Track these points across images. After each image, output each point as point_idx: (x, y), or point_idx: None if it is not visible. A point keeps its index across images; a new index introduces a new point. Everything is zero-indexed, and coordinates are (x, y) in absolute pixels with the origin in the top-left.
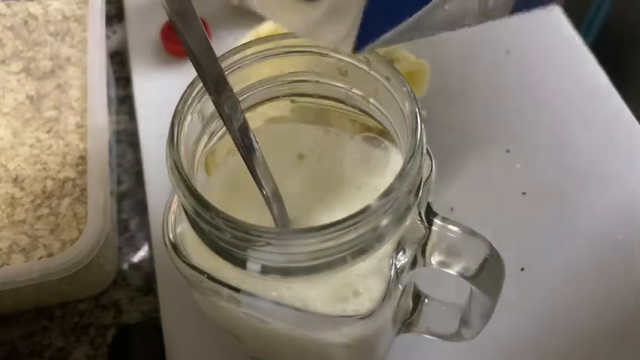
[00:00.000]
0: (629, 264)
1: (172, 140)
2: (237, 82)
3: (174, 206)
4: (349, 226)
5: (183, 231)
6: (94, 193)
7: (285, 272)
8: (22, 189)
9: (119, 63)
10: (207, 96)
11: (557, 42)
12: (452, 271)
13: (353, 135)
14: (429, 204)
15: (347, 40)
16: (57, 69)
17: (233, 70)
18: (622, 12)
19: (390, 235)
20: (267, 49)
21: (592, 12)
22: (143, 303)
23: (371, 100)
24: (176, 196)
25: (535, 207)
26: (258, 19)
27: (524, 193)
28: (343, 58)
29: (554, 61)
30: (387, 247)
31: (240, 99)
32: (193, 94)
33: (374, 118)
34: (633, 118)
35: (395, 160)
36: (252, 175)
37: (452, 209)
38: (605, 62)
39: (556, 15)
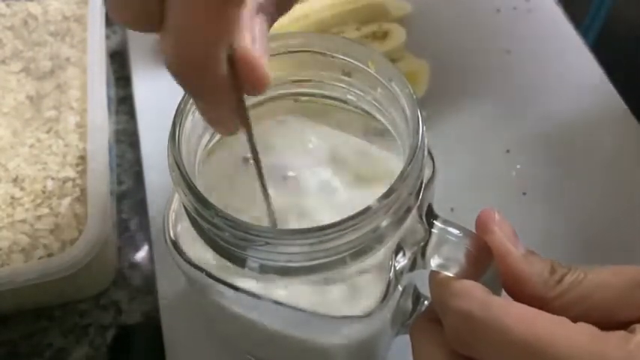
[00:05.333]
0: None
1: (174, 137)
2: None
3: (174, 204)
4: (349, 227)
5: (184, 229)
6: (94, 193)
7: (284, 272)
8: (22, 189)
9: (119, 63)
10: None
11: (557, 42)
12: (451, 274)
13: (355, 135)
14: (430, 206)
15: None
16: (57, 69)
17: None
18: (622, 12)
19: (390, 237)
20: (271, 49)
21: (592, 12)
22: (143, 303)
23: (373, 101)
24: (176, 194)
25: (535, 207)
26: None
27: (524, 193)
28: (347, 58)
29: (554, 61)
30: (387, 249)
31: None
32: None
33: (376, 119)
34: (633, 118)
35: (396, 161)
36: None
37: (452, 209)
38: (605, 62)
39: (556, 15)
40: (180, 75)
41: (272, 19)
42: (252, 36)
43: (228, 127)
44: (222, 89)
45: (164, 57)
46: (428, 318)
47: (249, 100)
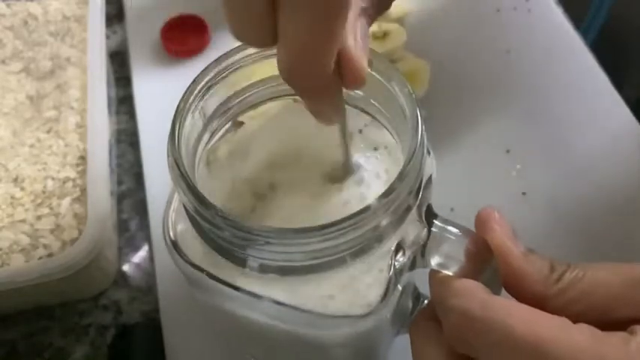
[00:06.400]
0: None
1: (173, 137)
2: (239, 81)
3: (174, 204)
4: (348, 226)
5: (184, 229)
6: (94, 193)
7: (284, 271)
8: (22, 189)
9: (119, 63)
10: (209, 94)
11: (557, 42)
12: (451, 273)
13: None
14: (429, 205)
15: None
16: (57, 69)
17: (234, 70)
18: (622, 12)
19: (390, 236)
20: (269, 48)
21: (592, 12)
22: (143, 303)
23: (372, 101)
24: (177, 194)
25: (535, 207)
26: None
27: (524, 193)
28: None
29: (554, 61)
30: (387, 248)
31: (241, 98)
32: (195, 92)
33: (375, 119)
34: (633, 118)
35: (396, 160)
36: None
37: (452, 209)
38: (605, 62)
39: (556, 15)
40: (293, 82)
41: (372, 20)
42: (354, 37)
43: (328, 117)
44: (327, 88)
45: (278, 67)
46: (427, 316)
47: (248, 101)
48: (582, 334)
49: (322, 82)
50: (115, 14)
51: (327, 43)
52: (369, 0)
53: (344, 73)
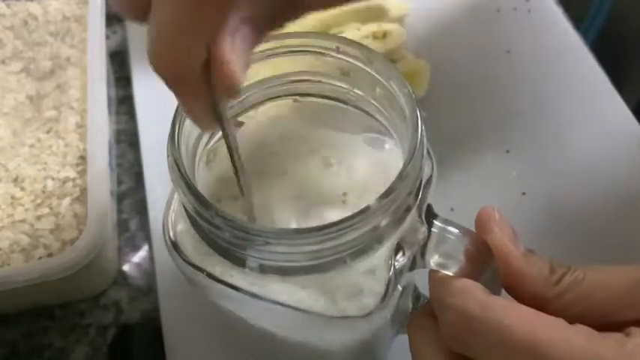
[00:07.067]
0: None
1: (173, 138)
2: None
3: (174, 204)
4: (348, 226)
5: (184, 229)
6: (94, 193)
7: (284, 272)
8: (22, 189)
9: (119, 63)
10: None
11: (557, 42)
12: (451, 273)
13: (354, 135)
14: (429, 205)
15: None
16: (57, 69)
17: None
18: (622, 12)
19: (390, 237)
20: (269, 49)
21: (592, 12)
22: (143, 303)
23: (372, 101)
24: (176, 194)
25: (535, 207)
26: None
27: (524, 193)
28: (345, 58)
29: (554, 61)
30: (386, 248)
31: (241, 98)
32: None
33: (375, 119)
34: (633, 118)
35: (396, 161)
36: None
37: (452, 209)
38: (605, 62)
39: (556, 15)
40: (157, 67)
41: (260, 34)
42: (232, 42)
43: (203, 124)
44: (196, 87)
45: (146, 48)
46: (426, 315)
47: (248, 101)
48: (579, 336)
49: (185, 75)
50: (115, 14)
51: (192, 30)
52: (259, 8)
53: (216, 76)
